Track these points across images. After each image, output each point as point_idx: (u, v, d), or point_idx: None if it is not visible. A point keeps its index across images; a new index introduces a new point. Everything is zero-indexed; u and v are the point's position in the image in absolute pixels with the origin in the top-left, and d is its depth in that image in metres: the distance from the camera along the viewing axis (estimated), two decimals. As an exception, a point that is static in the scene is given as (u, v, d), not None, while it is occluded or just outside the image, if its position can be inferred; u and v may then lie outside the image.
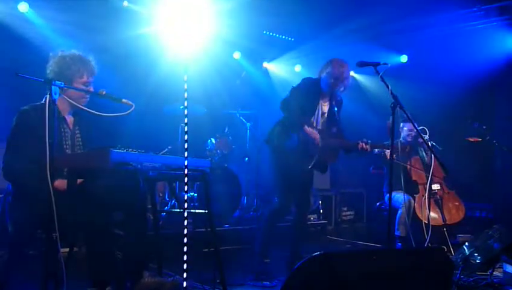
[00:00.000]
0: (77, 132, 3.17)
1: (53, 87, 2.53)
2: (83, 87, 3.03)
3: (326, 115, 4.32)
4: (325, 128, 4.27)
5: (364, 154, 4.24)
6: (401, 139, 5.52)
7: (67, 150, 3.07)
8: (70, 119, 3.15)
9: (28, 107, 2.95)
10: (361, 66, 3.63)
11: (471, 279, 3.78)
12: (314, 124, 4.23)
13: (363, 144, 4.12)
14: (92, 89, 3.07)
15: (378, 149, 4.92)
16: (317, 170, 4.26)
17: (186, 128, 2.61)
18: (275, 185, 4.39)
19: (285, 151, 4.13)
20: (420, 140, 5.15)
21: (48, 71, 3.02)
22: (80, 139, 3.16)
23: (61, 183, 2.78)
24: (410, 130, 5.37)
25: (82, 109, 3.03)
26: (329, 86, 4.18)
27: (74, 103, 3.01)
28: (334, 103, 4.33)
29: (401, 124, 5.39)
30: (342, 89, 4.24)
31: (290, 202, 4.23)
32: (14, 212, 2.86)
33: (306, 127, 4.08)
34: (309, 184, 4.35)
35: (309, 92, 4.20)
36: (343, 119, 4.41)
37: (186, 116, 2.58)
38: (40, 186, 2.44)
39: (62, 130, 3.06)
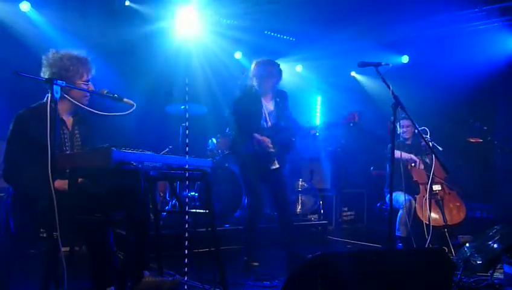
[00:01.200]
0: (76, 132, 3.12)
1: (54, 86, 2.50)
2: (85, 87, 3.02)
3: (274, 112, 4.39)
4: (274, 124, 4.36)
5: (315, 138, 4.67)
6: (400, 139, 5.52)
7: (66, 151, 3.04)
8: (69, 119, 3.11)
9: (24, 112, 2.87)
10: (363, 66, 3.64)
11: (472, 280, 3.77)
12: (266, 126, 4.32)
13: (314, 132, 4.51)
14: (92, 88, 3.05)
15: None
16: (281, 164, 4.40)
17: (187, 128, 2.61)
18: (245, 188, 4.77)
19: (245, 156, 4.24)
20: (421, 140, 5.16)
21: (47, 74, 2.91)
22: (79, 140, 3.12)
23: (61, 183, 2.74)
24: (407, 127, 5.39)
25: (85, 108, 3.01)
26: (262, 86, 4.24)
27: (77, 103, 2.98)
28: (278, 99, 4.39)
29: (399, 122, 5.39)
30: (275, 85, 4.35)
31: (258, 200, 4.34)
32: (15, 212, 2.84)
33: (256, 135, 4.18)
34: (281, 183, 4.41)
35: (248, 99, 4.30)
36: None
37: (187, 116, 2.59)
38: (42, 187, 2.42)
39: (61, 131, 3.02)
